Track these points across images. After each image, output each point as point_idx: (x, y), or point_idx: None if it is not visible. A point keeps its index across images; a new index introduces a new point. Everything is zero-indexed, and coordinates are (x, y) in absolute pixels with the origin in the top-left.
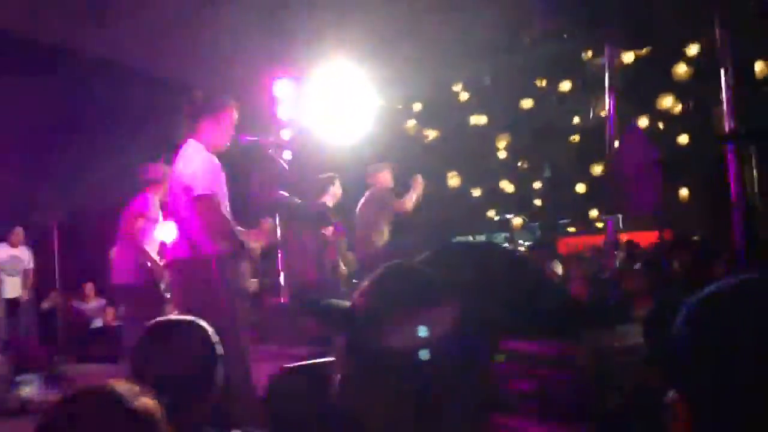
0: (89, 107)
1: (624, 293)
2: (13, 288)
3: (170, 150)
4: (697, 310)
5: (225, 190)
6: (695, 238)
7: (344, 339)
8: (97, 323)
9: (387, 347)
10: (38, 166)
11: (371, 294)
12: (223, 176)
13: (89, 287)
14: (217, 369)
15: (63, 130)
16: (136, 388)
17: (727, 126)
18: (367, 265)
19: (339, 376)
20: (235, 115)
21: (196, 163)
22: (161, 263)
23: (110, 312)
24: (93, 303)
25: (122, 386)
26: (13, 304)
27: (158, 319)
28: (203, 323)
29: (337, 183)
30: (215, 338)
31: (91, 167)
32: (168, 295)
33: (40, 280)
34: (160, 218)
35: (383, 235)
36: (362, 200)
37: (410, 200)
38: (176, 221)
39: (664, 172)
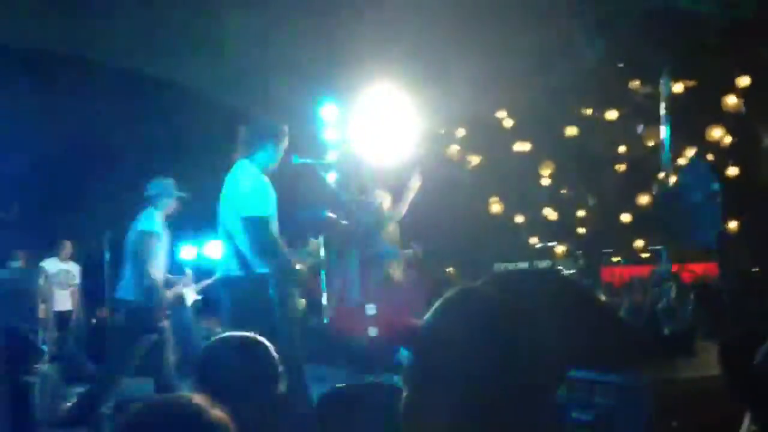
0: (142, 127)
1: (683, 324)
2: (63, 301)
3: (222, 171)
4: None
5: (275, 210)
6: (745, 270)
7: (413, 359)
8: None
9: (455, 369)
10: (92, 182)
11: (441, 317)
12: (273, 197)
13: None
14: (279, 385)
15: (121, 148)
16: (209, 401)
17: None
18: None
19: (405, 394)
20: (287, 139)
21: (247, 184)
22: (170, 280)
23: None
24: None
25: (198, 398)
26: (63, 317)
27: (225, 334)
28: (265, 341)
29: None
30: (276, 355)
31: (143, 186)
32: (167, 314)
33: (89, 295)
34: (165, 235)
35: None
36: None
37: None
38: (227, 240)
39: (722, 205)
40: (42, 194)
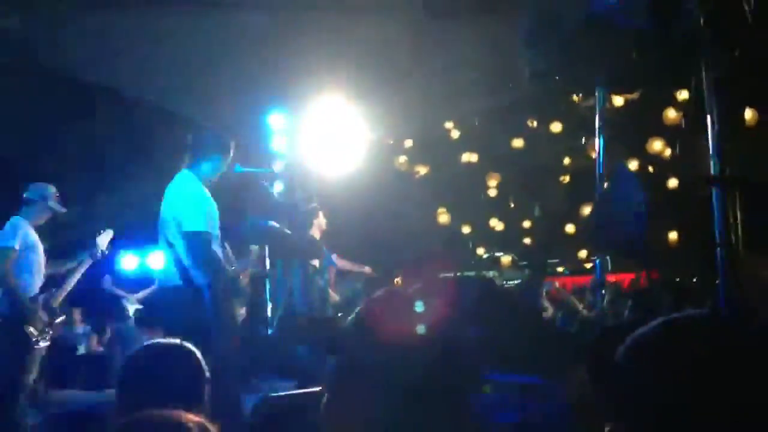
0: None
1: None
2: None
3: (166, 179)
4: (637, 344)
5: (216, 223)
6: (680, 280)
7: (335, 360)
8: (82, 350)
9: (373, 369)
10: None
11: (362, 317)
12: (214, 210)
13: (77, 313)
14: (205, 388)
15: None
16: (206, 423)
17: (713, 170)
18: None
19: (326, 396)
20: (233, 150)
21: (188, 197)
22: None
23: (94, 338)
24: (79, 329)
25: (191, 417)
26: None
27: (149, 342)
28: (190, 345)
29: (320, 214)
30: (202, 360)
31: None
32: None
33: None
34: (36, 246)
35: None
36: None
37: None
38: (167, 249)
39: (650, 215)
40: None
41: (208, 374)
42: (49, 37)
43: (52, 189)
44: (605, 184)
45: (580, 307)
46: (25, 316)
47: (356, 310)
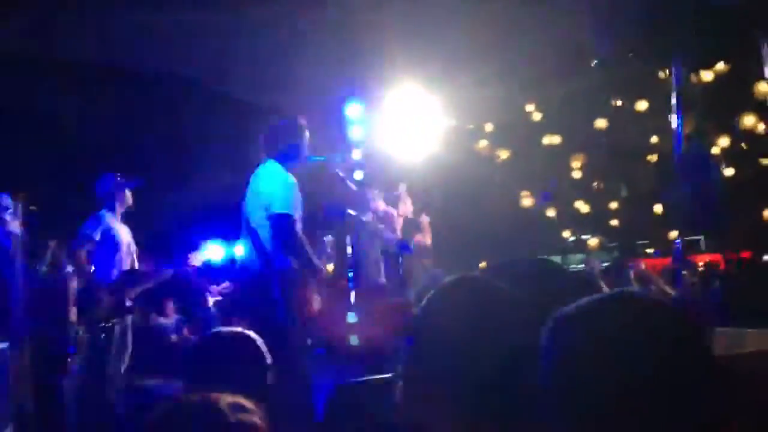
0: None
1: None
2: None
3: (247, 169)
4: (558, 324)
5: (300, 210)
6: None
7: (409, 349)
8: (174, 339)
9: (451, 359)
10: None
11: (436, 304)
12: (299, 196)
13: (169, 303)
14: (266, 375)
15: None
16: (244, 403)
17: None
18: None
19: (401, 387)
20: (307, 132)
21: (275, 182)
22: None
23: (186, 328)
24: (171, 319)
25: (228, 399)
26: None
27: (212, 330)
28: (252, 334)
29: (408, 201)
30: (263, 346)
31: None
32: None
33: None
34: (121, 239)
35: None
36: None
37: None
38: (251, 237)
39: (734, 194)
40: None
41: (269, 360)
42: (129, 37)
43: (118, 177)
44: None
45: (668, 289)
46: (93, 301)
47: (428, 295)
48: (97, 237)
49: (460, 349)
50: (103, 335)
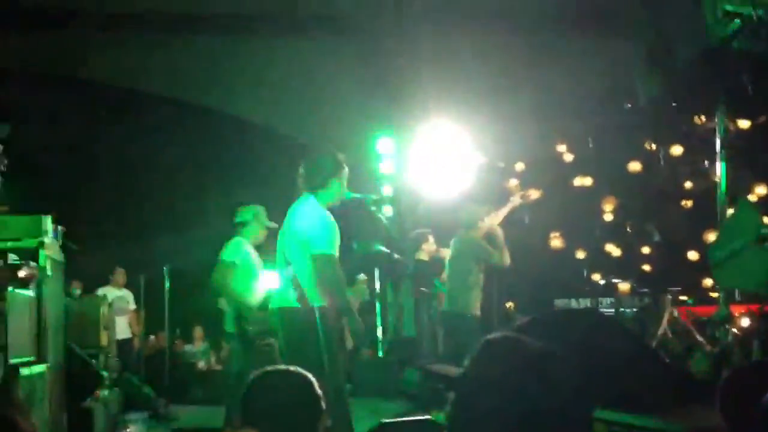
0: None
1: None
2: (122, 329)
3: (282, 202)
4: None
5: (338, 246)
6: None
7: (456, 401)
8: (202, 366)
9: (495, 417)
10: (153, 213)
11: (484, 365)
12: (338, 234)
13: (198, 330)
14: (322, 420)
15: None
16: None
17: None
18: None
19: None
20: (346, 169)
21: (316, 219)
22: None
23: (214, 355)
24: (200, 346)
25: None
26: (120, 343)
27: (267, 368)
28: (308, 374)
29: (431, 239)
30: (319, 390)
31: (205, 217)
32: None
33: (150, 323)
34: (254, 262)
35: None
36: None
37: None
38: (285, 270)
39: None
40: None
41: (324, 406)
42: (164, 67)
43: (260, 209)
44: (727, 214)
45: (701, 339)
46: (245, 318)
47: (474, 353)
48: (237, 261)
49: (508, 411)
50: None
